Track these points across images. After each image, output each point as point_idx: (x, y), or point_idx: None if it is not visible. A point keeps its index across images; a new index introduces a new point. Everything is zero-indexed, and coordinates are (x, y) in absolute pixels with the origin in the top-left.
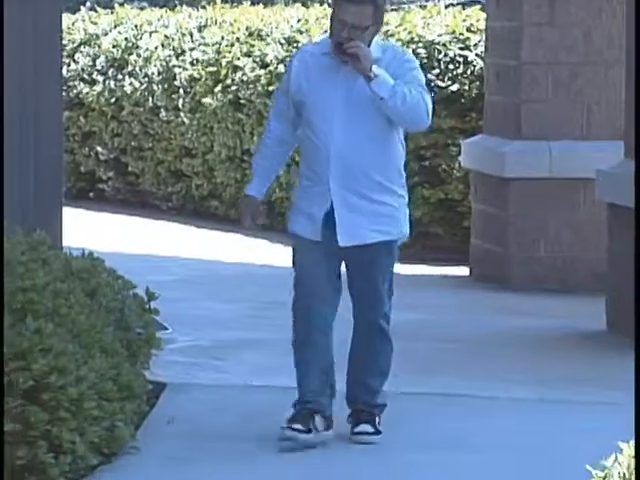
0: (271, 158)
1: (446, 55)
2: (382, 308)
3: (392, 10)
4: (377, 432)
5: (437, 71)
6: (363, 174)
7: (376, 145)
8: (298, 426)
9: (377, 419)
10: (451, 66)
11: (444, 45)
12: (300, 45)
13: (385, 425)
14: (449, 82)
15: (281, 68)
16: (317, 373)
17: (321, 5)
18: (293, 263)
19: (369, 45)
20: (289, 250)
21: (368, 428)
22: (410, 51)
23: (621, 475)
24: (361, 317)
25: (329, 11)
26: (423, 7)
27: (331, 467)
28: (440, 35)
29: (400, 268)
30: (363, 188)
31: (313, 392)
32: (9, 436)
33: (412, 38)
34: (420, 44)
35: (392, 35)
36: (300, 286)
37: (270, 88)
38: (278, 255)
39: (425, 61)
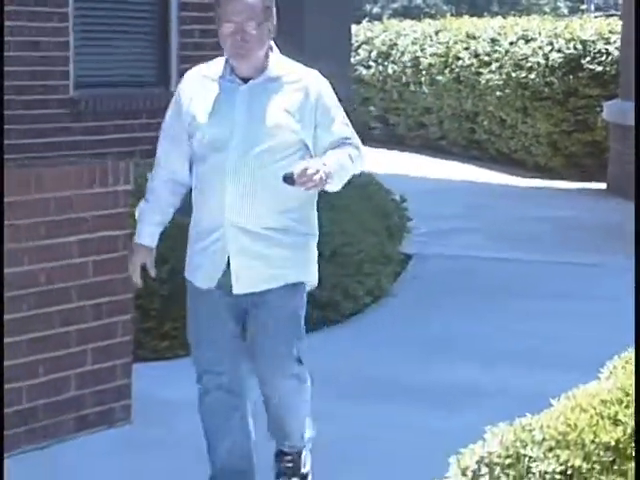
0: (162, 204)
1: (595, 48)
2: (291, 362)
3: (558, 20)
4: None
5: (588, 59)
6: (263, 212)
7: (279, 179)
8: None
9: (301, 463)
10: (597, 55)
11: (593, 42)
12: (501, 43)
13: (511, 282)
14: (596, 65)
15: (487, 59)
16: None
17: (513, 17)
18: (189, 316)
19: (267, 54)
20: (471, 169)
21: None
22: (571, 46)
23: None
24: (267, 377)
25: (520, 22)
26: (580, 17)
27: None
28: (591, 35)
29: (559, 184)
30: (263, 229)
31: None
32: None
33: (572, 38)
34: (578, 42)
35: (559, 36)
36: (200, 349)
37: (480, 70)
38: (471, 173)
39: (581, 53)
